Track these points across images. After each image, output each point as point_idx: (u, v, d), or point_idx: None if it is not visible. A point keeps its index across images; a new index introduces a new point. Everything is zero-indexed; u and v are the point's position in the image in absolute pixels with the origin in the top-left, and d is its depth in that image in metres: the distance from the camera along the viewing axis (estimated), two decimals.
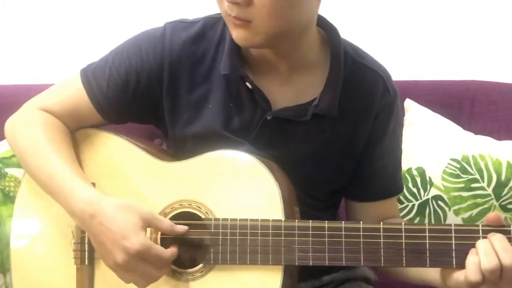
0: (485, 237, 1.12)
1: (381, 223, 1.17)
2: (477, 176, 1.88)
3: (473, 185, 1.88)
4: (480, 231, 1.13)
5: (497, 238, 1.10)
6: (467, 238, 1.13)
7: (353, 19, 2.30)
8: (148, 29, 1.34)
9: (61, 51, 2.28)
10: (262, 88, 1.28)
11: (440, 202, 1.87)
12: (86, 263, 1.30)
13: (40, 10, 2.30)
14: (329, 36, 1.31)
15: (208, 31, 1.31)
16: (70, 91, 1.35)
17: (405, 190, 1.89)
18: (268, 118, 1.28)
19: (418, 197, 1.89)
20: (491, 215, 1.12)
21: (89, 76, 1.33)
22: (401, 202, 1.89)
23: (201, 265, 1.24)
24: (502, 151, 1.91)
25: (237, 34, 1.18)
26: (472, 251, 1.12)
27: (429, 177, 1.90)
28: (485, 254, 1.09)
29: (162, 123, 1.36)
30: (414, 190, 1.90)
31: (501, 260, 1.08)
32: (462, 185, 1.88)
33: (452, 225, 1.14)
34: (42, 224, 1.36)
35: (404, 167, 1.89)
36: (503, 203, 1.86)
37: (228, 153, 1.26)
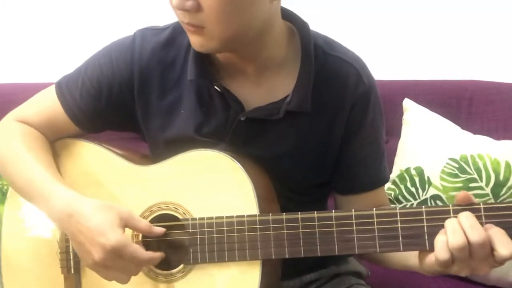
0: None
1: (353, 210, 1.17)
2: (476, 176, 1.86)
3: (472, 184, 1.86)
4: (451, 211, 1.12)
5: (465, 215, 1.09)
6: (439, 219, 1.12)
7: (352, 19, 2.31)
8: (119, 38, 1.36)
9: (59, 50, 2.32)
10: (233, 90, 1.28)
11: (438, 202, 1.86)
12: (72, 272, 1.32)
13: (38, 9, 2.34)
14: (298, 30, 1.30)
15: (178, 37, 1.32)
16: (46, 103, 1.38)
17: (403, 190, 1.89)
18: (242, 119, 1.28)
19: (417, 197, 1.88)
20: (460, 194, 1.11)
21: (63, 88, 1.36)
22: (399, 202, 1.89)
23: (181, 265, 1.25)
24: (500, 151, 1.90)
25: (193, 40, 1.19)
26: (442, 230, 1.10)
27: (428, 177, 1.89)
28: (452, 232, 1.08)
29: (140, 130, 1.38)
30: (413, 189, 1.89)
31: (468, 237, 1.06)
32: (460, 184, 1.87)
33: (423, 207, 1.13)
34: (29, 235, 1.38)
35: (403, 166, 1.90)
36: None
37: (202, 153, 1.27)
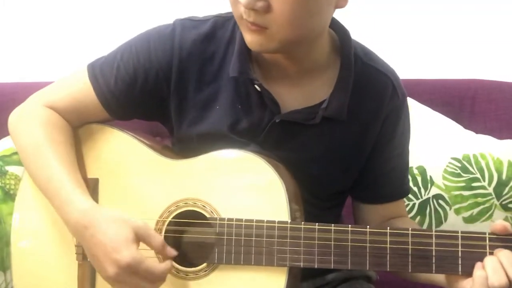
0: (492, 245, 1.13)
1: (388, 228, 1.17)
2: (478, 175, 1.88)
3: (474, 184, 1.88)
4: (487, 239, 1.13)
5: (504, 255, 1.10)
6: (474, 246, 1.13)
7: (354, 19, 2.28)
8: (158, 26, 1.32)
9: (60, 49, 2.27)
10: (271, 91, 1.26)
11: (440, 201, 1.87)
12: (88, 259, 1.29)
13: (39, 8, 2.29)
14: (340, 38, 1.30)
15: (218, 31, 1.30)
16: (76, 86, 1.33)
17: None
18: (277, 121, 1.27)
19: (419, 196, 1.89)
20: (498, 226, 1.12)
21: (96, 72, 1.32)
22: None
23: (205, 264, 1.24)
24: (503, 150, 1.91)
25: (251, 39, 1.16)
26: (479, 265, 1.11)
27: (430, 176, 1.90)
28: (493, 271, 1.09)
29: (168, 121, 1.34)
30: (415, 189, 1.90)
31: (510, 277, 1.08)
32: (463, 184, 1.88)
33: (459, 231, 1.14)
34: (43, 221, 1.34)
35: None
36: (504, 202, 1.87)
37: (234, 153, 1.25)
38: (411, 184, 1.87)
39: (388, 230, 1.17)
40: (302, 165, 1.30)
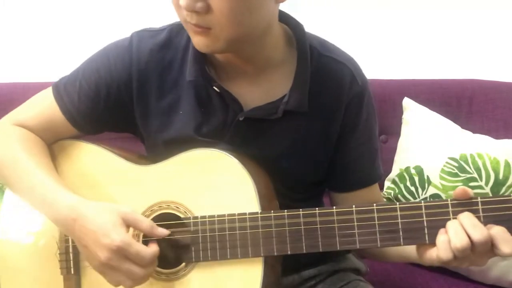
0: (455, 211, 1.13)
1: (354, 206, 1.18)
2: (475, 175, 1.87)
3: (471, 184, 1.86)
4: (449, 205, 1.13)
5: (465, 216, 1.11)
6: (438, 213, 1.14)
7: (352, 18, 2.31)
8: (116, 40, 1.37)
9: (59, 49, 2.32)
10: (231, 90, 1.29)
11: None
12: (72, 272, 1.32)
13: (38, 9, 2.34)
14: (293, 32, 1.32)
15: (174, 38, 1.33)
16: (44, 105, 1.38)
17: (403, 189, 1.90)
18: (240, 119, 1.29)
19: (416, 196, 1.89)
20: (458, 190, 1.12)
21: (61, 90, 1.37)
22: (399, 201, 1.86)
23: (183, 264, 1.26)
24: (500, 150, 1.90)
25: (197, 41, 1.19)
26: (442, 230, 1.12)
27: (427, 176, 1.90)
28: (455, 233, 1.10)
29: (137, 131, 1.39)
30: (412, 188, 1.89)
31: (471, 237, 1.09)
32: (460, 184, 1.87)
33: (422, 202, 1.14)
34: (27, 236, 1.38)
35: (402, 165, 1.91)
36: None
37: (202, 152, 1.28)
38: (408, 183, 1.87)
39: (354, 208, 1.18)
40: (271, 160, 1.32)
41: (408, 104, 2.06)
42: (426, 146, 1.96)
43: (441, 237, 1.12)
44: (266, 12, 1.19)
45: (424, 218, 1.14)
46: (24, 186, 1.29)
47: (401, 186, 1.92)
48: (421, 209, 1.14)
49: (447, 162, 1.90)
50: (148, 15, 2.28)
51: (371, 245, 1.17)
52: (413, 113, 2.04)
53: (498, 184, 1.86)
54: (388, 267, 1.83)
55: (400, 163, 1.97)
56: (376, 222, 1.16)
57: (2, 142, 1.35)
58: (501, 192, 1.84)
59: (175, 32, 1.33)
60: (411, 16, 2.39)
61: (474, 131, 2.02)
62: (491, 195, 1.84)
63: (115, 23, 2.31)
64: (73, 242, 1.30)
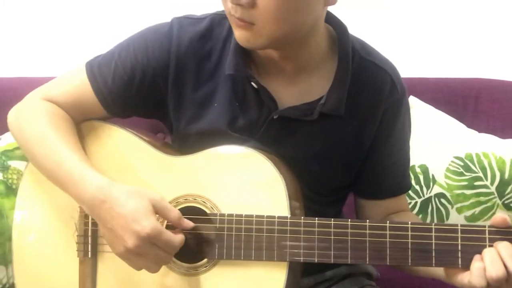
0: (491, 238, 1.12)
1: (388, 221, 1.17)
2: (481, 174, 1.88)
3: (476, 183, 1.88)
4: (487, 232, 1.13)
5: (503, 246, 1.10)
6: (473, 239, 1.13)
7: (358, 17, 2.29)
8: (155, 24, 1.33)
9: (63, 44, 2.28)
10: (268, 88, 1.27)
11: (443, 200, 1.87)
12: (89, 256, 1.30)
13: (42, 3, 2.30)
14: (337, 33, 1.29)
15: (215, 29, 1.30)
16: (75, 83, 1.33)
17: None
18: (275, 117, 1.27)
19: (421, 195, 1.89)
20: (497, 218, 1.12)
21: (95, 70, 1.32)
22: None
23: (205, 259, 1.24)
24: (505, 149, 1.92)
25: (239, 34, 1.17)
26: (477, 257, 1.12)
27: (432, 175, 1.90)
28: (491, 262, 1.09)
29: (167, 119, 1.35)
30: (417, 187, 1.90)
31: (508, 267, 1.08)
32: (465, 183, 1.88)
33: (459, 225, 1.14)
34: (44, 217, 1.35)
35: None
36: (506, 202, 1.87)
37: (234, 149, 1.26)
38: (413, 182, 1.87)
39: (387, 224, 1.17)
40: (300, 161, 1.30)
41: (413, 102, 2.05)
42: (432, 145, 1.96)
43: (476, 264, 1.11)
44: (312, 13, 1.16)
45: (459, 242, 1.14)
46: (50, 161, 1.25)
47: None
48: (457, 232, 1.14)
49: (452, 161, 1.91)
50: (149, 11, 2.24)
51: (401, 263, 1.17)
52: (419, 111, 2.03)
53: (504, 183, 1.88)
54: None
55: None
56: (409, 240, 1.15)
57: (30, 117, 1.31)
58: (506, 192, 1.87)
59: (217, 22, 1.29)
60: (416, 14, 2.37)
61: (479, 130, 2.03)
62: (496, 195, 1.86)
63: (120, 17, 2.27)
64: (93, 225, 1.28)
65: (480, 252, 1.12)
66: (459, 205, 1.86)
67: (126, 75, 1.30)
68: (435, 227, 1.15)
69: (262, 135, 1.29)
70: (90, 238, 1.30)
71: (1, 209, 1.59)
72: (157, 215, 1.17)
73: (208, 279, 1.24)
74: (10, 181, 1.62)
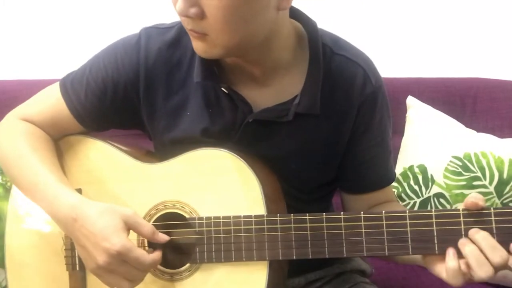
0: (466, 221, 1.11)
1: (362, 212, 1.16)
2: (479, 174, 1.86)
3: (475, 183, 1.86)
4: (461, 215, 1.11)
5: (483, 237, 1.08)
6: (449, 223, 1.12)
7: (356, 17, 2.30)
8: (124, 37, 1.34)
9: (62, 46, 2.31)
10: (240, 91, 1.27)
11: (441, 200, 1.86)
12: (77, 269, 1.31)
13: (41, 6, 2.33)
14: (306, 31, 1.28)
15: (183, 37, 1.30)
16: (50, 102, 1.36)
17: (406, 188, 1.89)
18: (250, 120, 1.27)
19: (420, 195, 1.88)
20: (469, 203, 1.09)
21: (68, 86, 1.35)
22: (402, 200, 1.89)
23: (188, 264, 1.25)
24: (504, 149, 1.90)
25: (196, 45, 1.17)
26: (450, 253, 1.10)
27: (431, 175, 1.89)
28: (478, 264, 1.06)
29: (145, 128, 1.37)
30: (416, 187, 1.89)
31: (491, 260, 1.06)
32: (464, 183, 1.87)
33: (433, 210, 1.12)
34: (34, 230, 1.37)
35: (406, 164, 1.90)
36: (505, 201, 1.84)
37: (209, 152, 1.26)
38: (412, 182, 1.86)
39: (362, 215, 1.16)
40: (279, 161, 1.30)
41: (412, 102, 2.05)
42: (430, 144, 1.95)
43: (450, 263, 1.09)
44: (264, 19, 1.14)
45: (434, 228, 1.12)
46: (26, 181, 1.27)
47: (405, 185, 1.91)
48: (431, 218, 1.12)
49: (451, 161, 1.90)
50: (151, 12, 2.26)
51: (378, 253, 1.16)
52: (417, 111, 2.03)
53: (502, 183, 1.86)
54: (392, 267, 1.82)
55: (404, 161, 1.96)
56: (385, 229, 1.15)
57: (8, 137, 1.34)
58: (505, 191, 1.84)
59: (185, 30, 1.29)
60: (415, 14, 2.38)
61: (478, 130, 2.02)
62: (495, 194, 1.84)
63: (118, 19, 2.30)
64: None
65: (456, 237, 1.10)
66: (458, 205, 1.84)
67: (98, 90, 1.32)
68: (409, 214, 1.13)
69: (238, 139, 1.28)
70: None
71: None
72: (130, 231, 1.18)
73: (191, 284, 1.24)
74: (9, 184, 1.65)
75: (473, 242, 1.09)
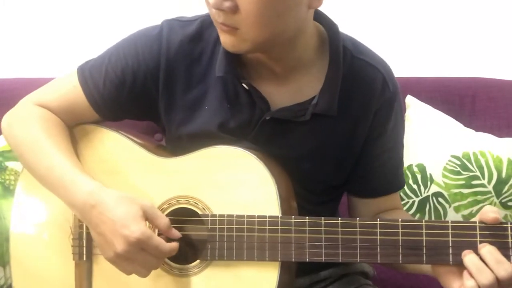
0: (482, 234, 1.12)
1: (378, 219, 1.17)
2: (478, 173, 1.88)
3: (474, 182, 1.88)
4: (477, 227, 1.12)
5: (488, 251, 1.09)
6: (464, 235, 1.13)
7: (355, 16, 2.30)
8: (145, 28, 1.33)
9: (60, 45, 2.30)
10: (259, 89, 1.27)
11: (440, 199, 1.88)
12: (84, 259, 1.31)
13: (39, 4, 2.31)
14: (328, 33, 1.29)
15: (205, 31, 1.30)
16: (67, 88, 1.34)
17: (405, 187, 1.90)
18: (267, 118, 1.27)
19: (419, 194, 1.89)
20: (489, 218, 1.10)
21: (86, 74, 1.33)
22: (401, 199, 1.89)
23: (198, 261, 1.25)
24: (502, 148, 1.92)
25: (224, 39, 1.17)
26: (465, 274, 1.10)
27: (430, 174, 1.90)
28: (478, 270, 1.08)
29: (160, 121, 1.36)
30: (415, 186, 1.90)
31: (495, 273, 1.07)
32: (462, 182, 1.88)
33: (449, 221, 1.13)
34: (40, 220, 1.36)
35: (405, 163, 1.88)
36: (503, 200, 1.86)
37: (225, 149, 1.26)
38: (410, 181, 1.87)
39: (378, 222, 1.16)
40: (293, 161, 1.30)
41: (411, 102, 2.05)
42: (429, 144, 1.96)
43: (468, 283, 1.09)
44: (296, 16, 1.15)
45: (450, 238, 1.13)
46: (42, 166, 1.26)
47: None
48: (448, 229, 1.13)
49: (449, 160, 1.91)
50: (151, 11, 2.25)
51: (392, 260, 1.16)
52: (416, 111, 2.04)
53: (501, 182, 1.87)
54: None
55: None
56: (400, 237, 1.15)
57: (23, 122, 1.32)
58: (503, 191, 1.86)
59: (207, 24, 1.29)
60: (414, 14, 2.38)
61: (476, 129, 2.03)
62: (493, 194, 1.86)
63: (117, 18, 2.28)
64: (87, 228, 1.28)
65: (471, 248, 1.11)
66: (456, 204, 1.86)
67: (117, 79, 1.30)
68: (426, 223, 1.14)
69: (254, 136, 1.29)
70: (85, 241, 1.30)
71: None
72: (147, 222, 1.18)
73: (201, 280, 1.24)
74: (7, 182, 1.64)
75: (479, 256, 1.10)
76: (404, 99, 2.06)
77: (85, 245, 1.30)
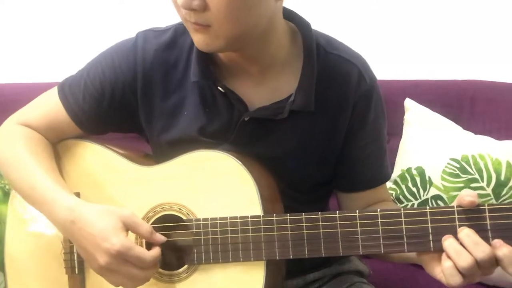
0: (461, 218, 1.11)
1: (357, 211, 1.17)
2: (477, 176, 1.87)
3: (473, 185, 1.87)
4: (455, 212, 1.11)
5: (466, 234, 1.08)
6: (443, 220, 1.12)
7: (353, 19, 2.31)
8: (121, 41, 1.36)
9: (62, 49, 2.32)
10: (236, 91, 1.28)
11: (439, 202, 1.87)
12: (77, 272, 1.32)
13: (40, 8, 2.35)
14: (300, 30, 1.31)
15: (179, 38, 1.32)
16: (49, 106, 1.38)
17: (404, 190, 1.89)
18: (246, 119, 1.28)
19: (418, 197, 1.89)
20: (465, 201, 1.10)
21: (66, 90, 1.37)
22: (400, 202, 1.89)
23: (185, 266, 1.26)
24: (501, 151, 1.90)
25: (197, 39, 1.18)
26: (443, 256, 1.10)
27: (429, 177, 1.90)
28: (457, 254, 1.07)
29: (142, 131, 1.38)
30: (414, 189, 1.89)
31: (474, 255, 1.06)
32: (461, 185, 1.87)
33: (427, 207, 1.13)
34: (33, 234, 1.38)
35: (404, 166, 1.91)
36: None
37: (205, 153, 1.27)
38: (410, 184, 1.87)
39: (357, 214, 1.16)
40: (276, 160, 1.31)
41: (409, 105, 2.06)
42: (428, 147, 1.96)
43: (445, 263, 1.09)
44: (265, 9, 1.16)
45: (429, 225, 1.12)
46: (25, 185, 1.29)
47: (403, 187, 1.92)
48: (426, 216, 1.13)
49: (448, 163, 1.90)
50: (150, 15, 2.28)
51: (374, 251, 1.16)
52: (415, 114, 2.04)
53: (500, 185, 1.86)
54: (390, 267, 1.82)
55: (402, 164, 1.97)
56: (380, 227, 1.15)
57: (6, 141, 1.35)
58: (502, 193, 1.84)
59: (181, 31, 1.32)
60: (412, 17, 2.39)
61: (475, 132, 2.02)
62: (492, 196, 1.84)
63: (118, 23, 2.31)
64: None
65: (451, 233, 1.11)
66: None
67: (96, 92, 1.33)
68: (404, 212, 1.14)
69: (235, 138, 1.30)
70: (76, 254, 1.32)
71: None
72: (129, 231, 1.20)
73: (191, 285, 1.25)
74: (7, 187, 1.66)
75: (458, 240, 1.09)
76: (403, 102, 2.07)
77: (76, 259, 1.33)
